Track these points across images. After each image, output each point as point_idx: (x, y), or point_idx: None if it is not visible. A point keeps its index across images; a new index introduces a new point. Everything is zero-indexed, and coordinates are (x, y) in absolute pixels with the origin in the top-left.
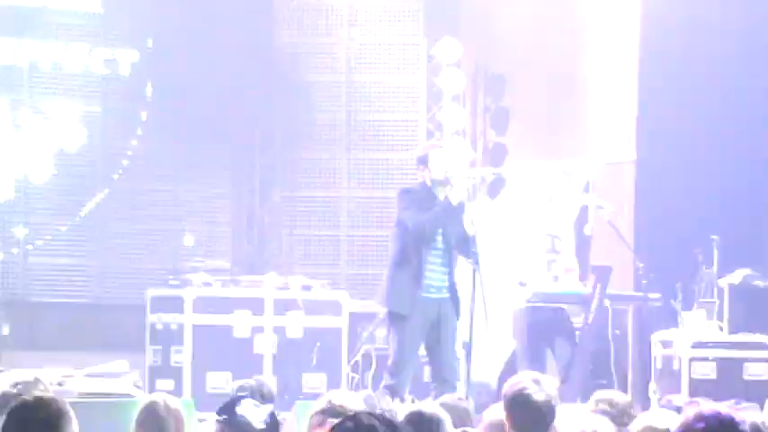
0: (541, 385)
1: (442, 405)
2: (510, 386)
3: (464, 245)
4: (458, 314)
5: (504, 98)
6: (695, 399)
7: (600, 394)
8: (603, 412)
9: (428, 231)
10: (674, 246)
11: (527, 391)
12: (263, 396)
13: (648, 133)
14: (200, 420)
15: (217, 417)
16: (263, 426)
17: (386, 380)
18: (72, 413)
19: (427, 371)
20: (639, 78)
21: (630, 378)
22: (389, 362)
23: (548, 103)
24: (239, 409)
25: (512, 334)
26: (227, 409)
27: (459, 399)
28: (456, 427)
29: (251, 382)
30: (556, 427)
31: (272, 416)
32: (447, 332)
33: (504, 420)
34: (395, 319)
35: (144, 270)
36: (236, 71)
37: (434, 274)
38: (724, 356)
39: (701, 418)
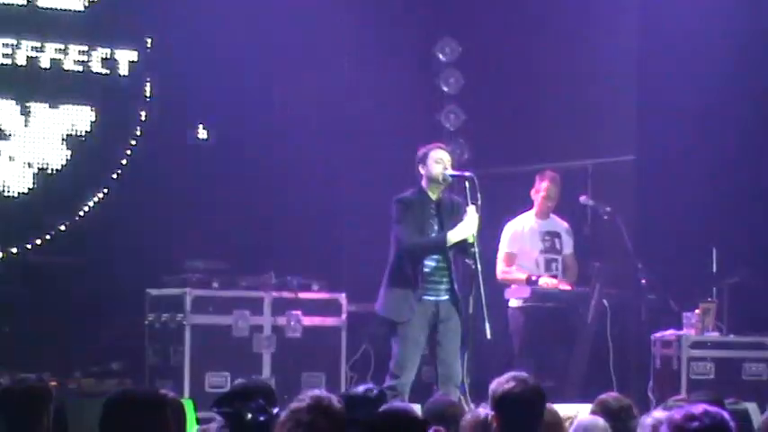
0: (529, 384)
1: (435, 406)
2: (497, 385)
3: (463, 245)
4: (460, 314)
5: (503, 98)
6: (680, 397)
7: (600, 397)
8: (602, 414)
9: (418, 256)
10: (674, 246)
11: (515, 391)
12: (266, 396)
13: (648, 133)
14: (200, 420)
15: (215, 409)
16: (260, 420)
17: (388, 381)
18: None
19: (427, 372)
20: (639, 78)
21: (629, 378)
22: (392, 363)
23: (548, 103)
24: (237, 404)
25: (510, 333)
26: (226, 401)
27: (453, 400)
28: (451, 428)
29: (253, 382)
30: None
31: (269, 413)
32: (448, 333)
33: (491, 420)
34: (395, 324)
35: (143, 270)
36: (235, 69)
37: (434, 277)
38: (723, 357)
39: (692, 417)
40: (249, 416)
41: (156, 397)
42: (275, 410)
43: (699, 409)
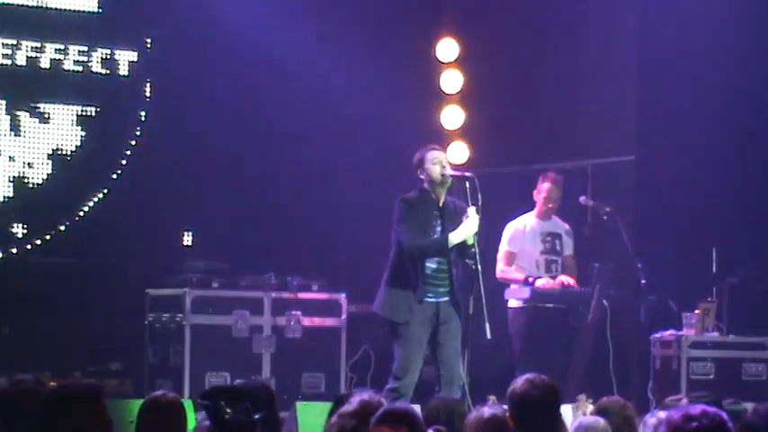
0: (546, 386)
1: (435, 404)
2: (517, 386)
3: (463, 246)
4: (460, 316)
5: (503, 99)
6: (693, 395)
7: (601, 401)
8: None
9: (419, 256)
10: (674, 246)
11: (532, 393)
12: (255, 399)
13: (648, 133)
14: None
15: (199, 400)
16: (239, 421)
17: (391, 383)
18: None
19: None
20: (639, 78)
21: (629, 378)
22: (394, 365)
23: (548, 103)
24: (221, 401)
25: (510, 334)
26: (210, 395)
27: (454, 399)
28: (452, 428)
29: (248, 384)
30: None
31: (250, 419)
32: (449, 334)
33: (509, 420)
34: (395, 325)
35: (143, 270)
36: (236, 70)
37: (430, 278)
38: (722, 357)
39: (690, 417)
40: (227, 415)
41: (91, 390)
42: (256, 416)
43: (697, 409)
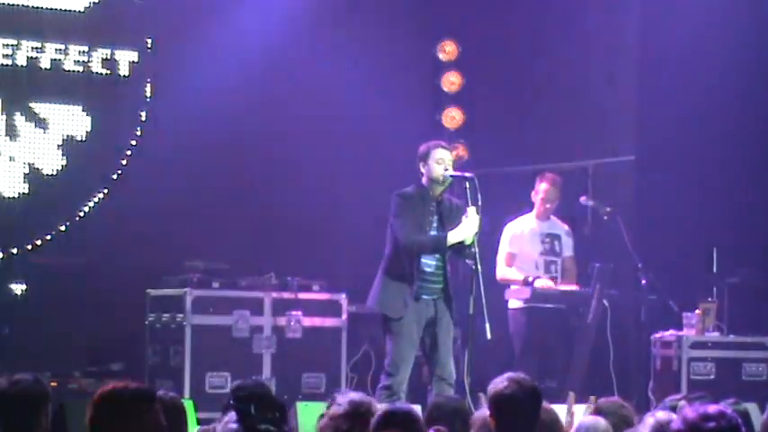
0: (525, 385)
1: (437, 404)
2: (493, 386)
3: (462, 246)
4: (452, 314)
5: (503, 99)
6: (691, 395)
7: (600, 402)
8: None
9: (415, 252)
10: (674, 246)
11: (510, 392)
12: (281, 411)
13: (648, 133)
14: (200, 420)
15: (232, 402)
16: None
17: (383, 381)
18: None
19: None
20: (639, 78)
21: (630, 378)
22: (386, 362)
23: (547, 103)
24: (256, 408)
25: (511, 334)
26: (244, 399)
27: (456, 398)
28: (454, 427)
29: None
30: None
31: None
32: (442, 332)
33: (489, 420)
34: (389, 320)
35: (144, 270)
36: (236, 71)
37: (429, 276)
38: (723, 357)
39: (708, 417)
40: (260, 425)
41: (144, 392)
42: (286, 429)
43: (714, 409)
